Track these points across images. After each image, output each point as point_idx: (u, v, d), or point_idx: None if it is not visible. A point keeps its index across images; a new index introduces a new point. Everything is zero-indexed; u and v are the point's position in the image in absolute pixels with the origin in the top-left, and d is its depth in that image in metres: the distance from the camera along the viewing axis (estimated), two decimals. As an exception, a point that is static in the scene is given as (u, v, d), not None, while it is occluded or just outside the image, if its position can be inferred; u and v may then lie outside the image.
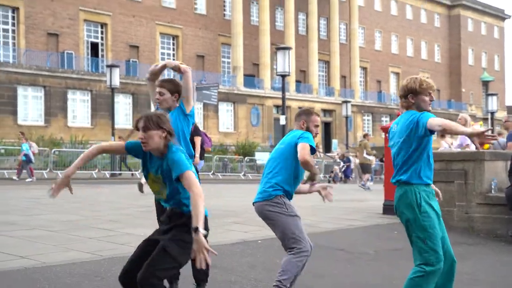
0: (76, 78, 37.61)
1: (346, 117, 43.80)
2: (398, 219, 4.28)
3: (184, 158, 3.41)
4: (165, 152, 3.45)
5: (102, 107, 38.03)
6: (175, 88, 4.74)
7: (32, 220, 9.27)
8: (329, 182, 31.20)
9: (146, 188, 12.57)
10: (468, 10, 73.47)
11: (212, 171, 30.82)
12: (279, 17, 53.30)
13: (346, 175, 33.31)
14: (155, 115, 3.47)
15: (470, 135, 3.76)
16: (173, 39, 46.17)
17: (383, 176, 18.86)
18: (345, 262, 6.79)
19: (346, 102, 43.87)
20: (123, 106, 40.29)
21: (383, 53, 64.08)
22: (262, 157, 34.61)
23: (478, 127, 12.31)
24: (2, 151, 28.04)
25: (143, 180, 11.77)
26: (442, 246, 4.02)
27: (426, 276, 3.93)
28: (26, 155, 22.15)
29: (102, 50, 42.13)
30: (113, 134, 28.18)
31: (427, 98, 4.11)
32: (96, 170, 26.83)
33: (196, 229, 3.16)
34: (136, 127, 3.48)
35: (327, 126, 53.80)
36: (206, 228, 3.36)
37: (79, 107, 38.27)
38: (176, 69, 4.78)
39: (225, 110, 46.46)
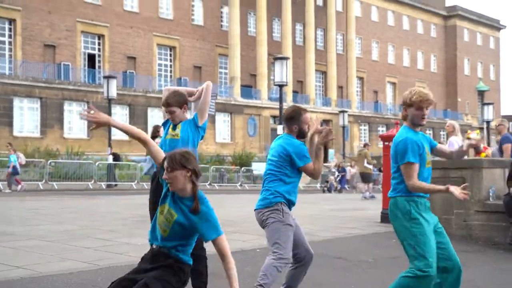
0: (73, 89, 37.59)
1: (343, 127, 43.88)
2: (395, 227, 4.32)
3: (217, 217, 3.34)
4: (191, 194, 3.31)
5: (99, 118, 37.91)
6: (182, 99, 4.84)
7: (31, 231, 9.23)
8: (323, 192, 31.29)
9: None
10: (464, 21, 73.86)
11: (208, 182, 30.78)
12: (276, 27, 53.49)
13: (341, 184, 33.48)
14: (179, 153, 3.30)
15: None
16: (171, 50, 46.26)
17: (380, 186, 18.88)
18: (344, 270, 6.76)
19: (343, 112, 43.97)
20: (120, 117, 40.23)
21: (379, 63, 64.30)
22: (259, 168, 34.61)
23: (475, 135, 12.28)
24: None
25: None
26: (447, 256, 4.08)
27: (417, 279, 3.97)
28: (14, 167, 22.15)
29: (99, 61, 42.17)
30: (109, 145, 28.13)
31: (417, 112, 4.10)
32: (92, 181, 26.76)
33: None
34: (162, 166, 3.37)
35: (324, 136, 53.77)
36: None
37: (75, 119, 38.23)
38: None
39: (222, 120, 46.49)
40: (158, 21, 45.03)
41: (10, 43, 37.90)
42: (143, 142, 3.64)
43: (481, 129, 49.78)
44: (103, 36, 42.00)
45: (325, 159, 49.00)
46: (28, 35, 38.09)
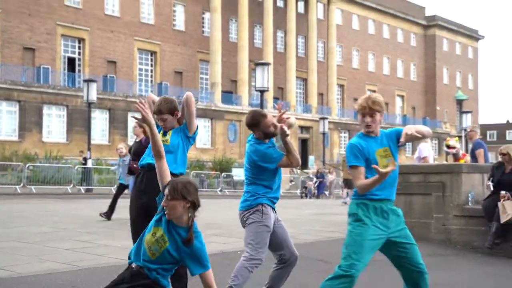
0: (52, 93, 37.24)
1: (323, 134, 44.09)
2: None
3: (207, 253, 3.31)
4: (187, 225, 3.25)
5: (78, 122, 37.66)
6: (172, 106, 4.81)
7: (9, 232, 9.12)
8: (301, 197, 31.44)
9: None
10: (443, 30, 74.76)
11: (189, 187, 30.60)
12: (258, 34, 53.62)
13: (320, 191, 33.80)
14: (181, 183, 3.24)
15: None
16: (151, 55, 46.11)
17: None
18: (325, 272, 6.72)
19: (323, 119, 44.18)
20: (100, 122, 39.98)
21: (360, 71, 64.77)
22: (239, 173, 34.60)
23: (454, 142, 12.43)
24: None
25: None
26: (413, 261, 4.02)
27: (337, 278, 3.94)
28: None
29: (79, 65, 41.85)
30: (89, 149, 27.89)
31: (361, 119, 4.02)
32: (71, 185, 26.50)
33: None
34: (162, 191, 3.34)
35: (304, 142, 54.02)
36: None
37: (54, 122, 37.86)
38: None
39: (203, 126, 46.38)
40: (139, 25, 44.87)
41: (-12, 45, 37.48)
42: (160, 157, 3.62)
43: (460, 137, 50.35)
44: (83, 40, 41.72)
45: (305, 166, 49.18)
46: (8, 38, 37.68)
